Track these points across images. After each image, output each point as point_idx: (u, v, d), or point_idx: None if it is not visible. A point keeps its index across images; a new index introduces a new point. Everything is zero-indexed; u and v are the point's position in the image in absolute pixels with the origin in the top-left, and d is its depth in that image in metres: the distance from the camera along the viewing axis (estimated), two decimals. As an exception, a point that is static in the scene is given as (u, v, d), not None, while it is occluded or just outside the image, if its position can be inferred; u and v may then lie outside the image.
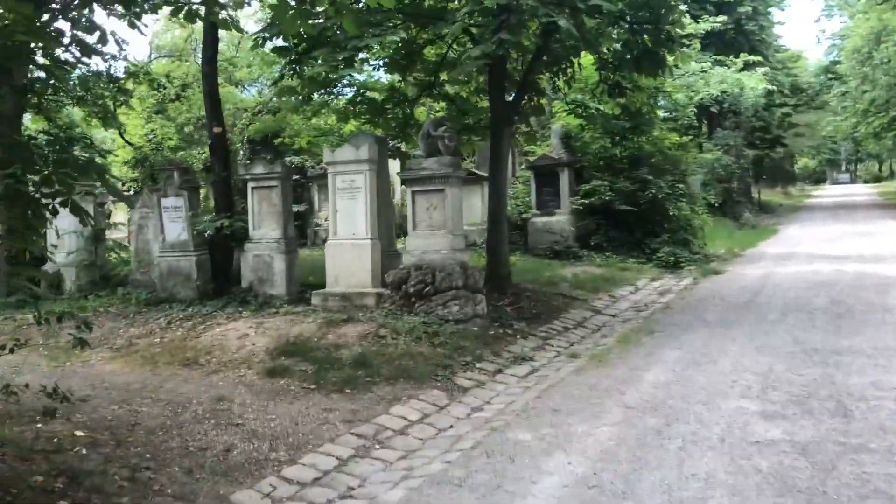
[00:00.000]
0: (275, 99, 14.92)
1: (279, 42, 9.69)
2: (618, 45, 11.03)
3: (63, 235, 11.97)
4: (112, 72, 17.19)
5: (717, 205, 24.91)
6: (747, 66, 26.51)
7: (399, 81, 12.81)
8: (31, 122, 18.32)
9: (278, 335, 8.00)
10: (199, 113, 22.73)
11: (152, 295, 10.85)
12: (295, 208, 21.73)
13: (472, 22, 9.48)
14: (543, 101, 13.07)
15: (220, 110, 11.28)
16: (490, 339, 8.41)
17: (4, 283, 12.12)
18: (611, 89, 12.03)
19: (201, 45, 11.39)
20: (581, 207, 16.51)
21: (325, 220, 21.35)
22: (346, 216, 9.94)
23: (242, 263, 10.56)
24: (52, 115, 15.38)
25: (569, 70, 11.66)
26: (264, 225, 10.48)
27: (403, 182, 9.26)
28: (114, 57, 17.57)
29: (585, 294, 11.78)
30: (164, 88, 23.72)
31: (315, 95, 12.39)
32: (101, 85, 16.88)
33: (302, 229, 21.86)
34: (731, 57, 26.71)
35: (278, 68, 9.99)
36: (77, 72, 16.02)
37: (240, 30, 6.55)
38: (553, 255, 16.06)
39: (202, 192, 13.14)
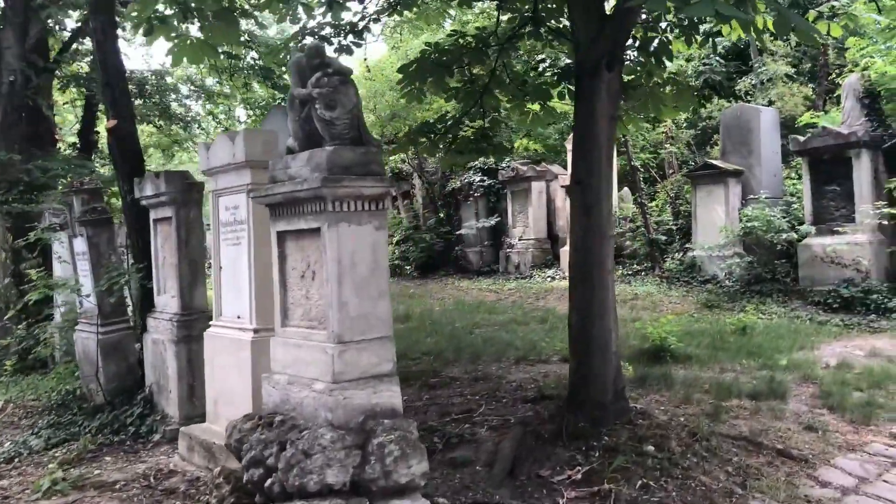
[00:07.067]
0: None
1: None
2: None
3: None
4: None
5: None
6: None
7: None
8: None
9: None
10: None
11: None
12: (486, 223, 16.60)
13: None
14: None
15: (120, 87, 6.58)
16: None
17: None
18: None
19: None
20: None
21: (519, 239, 16.14)
22: (231, 279, 4.95)
23: (143, 352, 6.20)
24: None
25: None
26: (168, 286, 5.98)
27: (269, 209, 3.93)
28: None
29: (836, 427, 5.19)
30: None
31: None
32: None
33: (496, 249, 16.83)
34: None
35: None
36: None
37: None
38: (840, 306, 9.22)
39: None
